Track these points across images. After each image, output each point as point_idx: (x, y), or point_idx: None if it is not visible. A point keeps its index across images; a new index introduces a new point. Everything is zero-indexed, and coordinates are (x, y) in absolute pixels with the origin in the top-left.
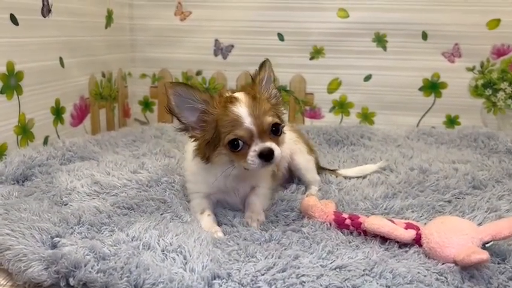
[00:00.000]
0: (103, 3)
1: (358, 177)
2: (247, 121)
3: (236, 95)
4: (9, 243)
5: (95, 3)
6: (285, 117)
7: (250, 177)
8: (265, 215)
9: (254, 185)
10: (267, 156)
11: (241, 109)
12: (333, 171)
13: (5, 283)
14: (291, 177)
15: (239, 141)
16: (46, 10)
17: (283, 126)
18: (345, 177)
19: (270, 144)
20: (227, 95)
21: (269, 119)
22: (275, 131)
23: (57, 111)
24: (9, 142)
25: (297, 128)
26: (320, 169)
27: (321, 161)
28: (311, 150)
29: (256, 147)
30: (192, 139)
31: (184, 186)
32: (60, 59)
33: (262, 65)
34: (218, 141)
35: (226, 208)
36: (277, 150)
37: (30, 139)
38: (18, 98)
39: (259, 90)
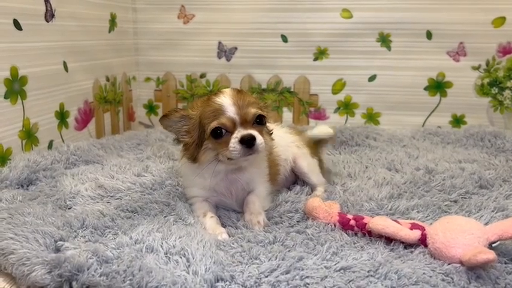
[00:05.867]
0: (106, 8)
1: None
2: (230, 110)
3: (222, 89)
4: (13, 247)
5: (98, 8)
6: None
7: (243, 176)
8: (267, 216)
9: (251, 189)
10: (248, 141)
11: (224, 99)
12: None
13: (8, 287)
14: (295, 179)
15: (222, 129)
16: (49, 15)
17: (270, 133)
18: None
19: (252, 131)
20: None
21: (253, 110)
22: (259, 121)
23: (62, 116)
24: (13, 147)
25: (300, 131)
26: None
27: (326, 162)
28: (313, 153)
29: (238, 134)
30: (184, 146)
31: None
32: (64, 63)
33: None
34: (203, 135)
35: (230, 210)
36: (259, 137)
37: (34, 143)
38: (23, 102)
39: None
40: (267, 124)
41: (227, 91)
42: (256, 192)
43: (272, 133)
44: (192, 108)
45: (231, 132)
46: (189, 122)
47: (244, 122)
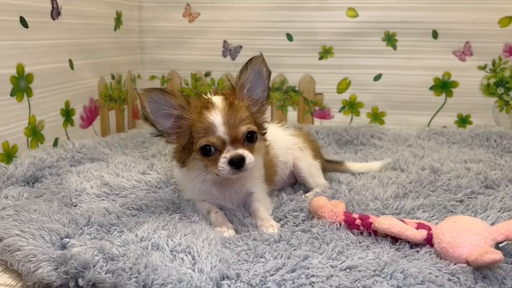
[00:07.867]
0: (112, 6)
1: (363, 173)
2: (220, 130)
3: (213, 99)
4: (19, 244)
5: (104, 6)
6: (268, 118)
7: (236, 183)
8: (271, 214)
9: (247, 191)
10: (237, 163)
11: (216, 117)
12: (340, 163)
13: (15, 284)
14: (296, 180)
15: (211, 147)
16: (55, 13)
17: (263, 133)
18: (351, 173)
19: (242, 151)
20: (205, 97)
21: (243, 128)
22: (250, 138)
23: (67, 113)
24: (19, 144)
25: (305, 132)
26: (328, 163)
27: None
28: (317, 155)
29: (227, 153)
30: (168, 144)
31: None
32: (70, 61)
33: (245, 66)
34: (192, 146)
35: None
36: (248, 157)
37: (40, 141)
38: (28, 100)
39: (240, 96)
40: (259, 138)
41: (219, 105)
42: (256, 197)
43: (265, 133)
44: (190, 107)
45: (220, 151)
46: (184, 120)
47: (235, 140)
